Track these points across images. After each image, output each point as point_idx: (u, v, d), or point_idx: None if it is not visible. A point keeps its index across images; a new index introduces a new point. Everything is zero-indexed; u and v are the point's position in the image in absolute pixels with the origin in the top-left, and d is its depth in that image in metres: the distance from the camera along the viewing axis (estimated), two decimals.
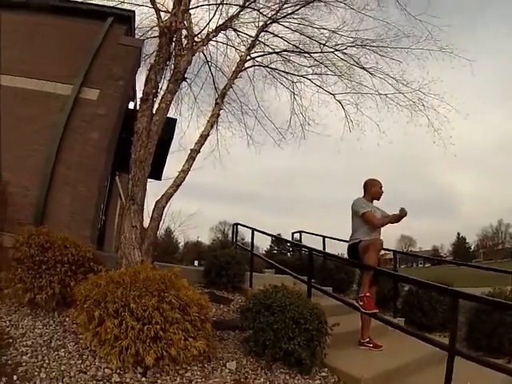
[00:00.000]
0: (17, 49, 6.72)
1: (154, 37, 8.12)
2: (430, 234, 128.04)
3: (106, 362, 3.23)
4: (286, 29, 8.30)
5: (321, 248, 8.51)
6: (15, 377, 2.98)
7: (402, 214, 4.98)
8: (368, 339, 4.64)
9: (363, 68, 8.03)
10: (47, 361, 3.24)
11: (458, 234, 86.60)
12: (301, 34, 8.15)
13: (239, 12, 7.75)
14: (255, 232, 7.25)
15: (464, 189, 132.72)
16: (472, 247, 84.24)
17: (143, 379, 3.13)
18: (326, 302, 5.32)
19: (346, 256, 5.69)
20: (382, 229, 5.29)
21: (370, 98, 8.28)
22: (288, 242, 6.46)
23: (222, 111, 7.29)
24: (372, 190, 5.39)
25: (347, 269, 7.94)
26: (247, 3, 7.69)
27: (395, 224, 5.26)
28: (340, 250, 7.86)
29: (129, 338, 3.11)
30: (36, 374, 3.04)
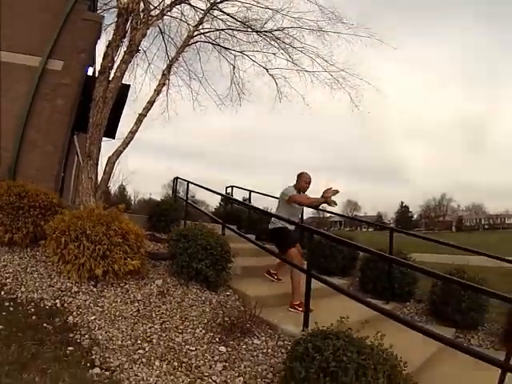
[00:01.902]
0: None
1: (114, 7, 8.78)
2: (375, 200, 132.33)
3: (68, 278, 4.29)
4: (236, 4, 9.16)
5: (252, 202, 9.69)
6: (2, 292, 3.91)
7: (330, 201, 5.30)
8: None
9: (295, 48, 9.03)
10: (25, 281, 4.22)
11: (402, 202, 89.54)
12: (242, 19, 9.05)
13: None
14: (205, 191, 8.26)
15: (412, 162, 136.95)
16: (414, 217, 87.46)
17: (94, 289, 4.22)
18: (248, 246, 6.60)
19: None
20: (297, 215, 5.97)
21: (300, 74, 9.40)
22: (218, 193, 7.46)
23: (173, 76, 8.31)
24: (300, 182, 5.76)
25: (268, 219, 8.83)
26: None
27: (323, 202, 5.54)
28: (266, 203, 8.88)
29: (85, 256, 4.22)
30: (17, 289, 4.03)
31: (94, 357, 3.11)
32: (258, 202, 9.86)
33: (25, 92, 7.18)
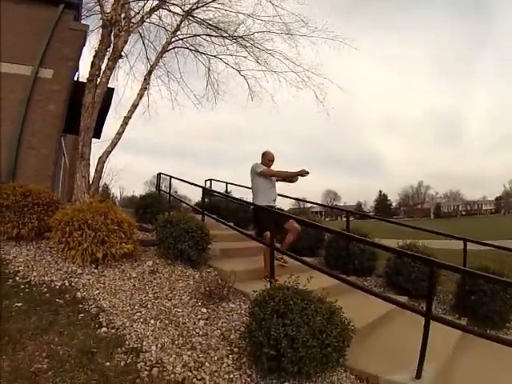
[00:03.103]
0: None
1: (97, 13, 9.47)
2: (355, 190, 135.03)
3: (72, 263, 5.05)
4: (211, 10, 9.90)
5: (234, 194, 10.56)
6: (17, 278, 4.58)
7: (303, 172, 5.98)
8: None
9: (265, 50, 9.89)
10: (35, 267, 4.93)
11: (380, 191, 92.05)
12: (216, 23, 9.82)
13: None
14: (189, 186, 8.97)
15: (389, 153, 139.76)
16: (393, 205, 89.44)
17: (96, 270, 5.00)
18: (227, 232, 7.53)
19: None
20: (276, 194, 6.46)
21: (269, 74, 10.24)
22: (197, 185, 8.15)
23: (153, 76, 9.11)
24: (264, 160, 6.41)
25: (246, 209, 9.46)
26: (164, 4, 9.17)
27: (290, 182, 6.39)
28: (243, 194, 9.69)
29: (87, 242, 5.01)
30: (30, 274, 4.72)
31: (101, 320, 3.89)
32: (239, 194, 10.59)
33: (19, 99, 7.79)
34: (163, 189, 10.86)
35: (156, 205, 8.71)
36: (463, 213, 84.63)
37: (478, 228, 30.58)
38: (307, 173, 6.01)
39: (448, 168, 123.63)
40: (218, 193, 9.95)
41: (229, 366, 3.43)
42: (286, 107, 11.27)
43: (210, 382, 3.15)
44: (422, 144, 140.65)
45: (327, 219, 59.34)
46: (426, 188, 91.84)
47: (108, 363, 3.17)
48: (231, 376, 3.29)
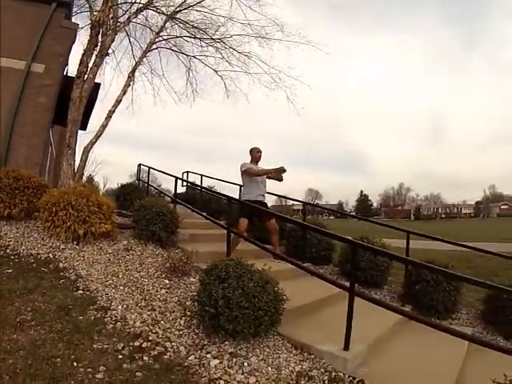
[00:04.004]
0: None
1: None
2: (338, 189, 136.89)
3: (57, 240, 5.78)
4: (193, 12, 10.65)
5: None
6: (7, 250, 5.24)
7: (280, 168, 6.74)
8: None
9: (240, 53, 10.64)
10: (24, 243, 5.62)
11: (361, 191, 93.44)
12: (197, 25, 10.57)
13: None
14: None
15: (371, 154, 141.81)
16: (374, 205, 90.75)
17: (77, 247, 5.73)
18: (198, 221, 8.20)
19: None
20: (264, 190, 7.12)
21: (244, 75, 11.01)
22: (172, 175, 8.78)
23: (137, 73, 9.86)
24: (252, 154, 7.12)
25: (218, 200, 10.26)
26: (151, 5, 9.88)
27: (278, 180, 7.03)
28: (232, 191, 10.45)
29: (70, 220, 5.76)
30: (19, 248, 5.41)
31: (78, 285, 4.63)
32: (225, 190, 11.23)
33: (13, 91, 8.47)
34: (144, 179, 11.60)
35: (135, 193, 9.42)
36: (443, 215, 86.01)
37: (456, 230, 31.59)
38: (284, 169, 6.79)
39: (432, 170, 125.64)
40: (190, 183, 10.77)
41: (180, 325, 4.17)
42: (271, 106, 12.09)
43: (162, 336, 3.88)
44: (407, 145, 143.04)
45: (309, 216, 60.16)
46: (407, 190, 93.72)
47: (81, 317, 3.91)
48: (181, 333, 4.02)
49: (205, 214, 7.76)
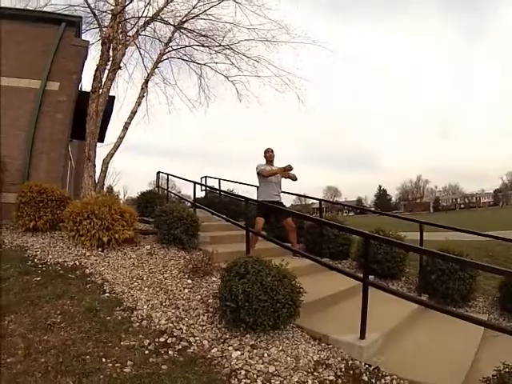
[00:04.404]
0: None
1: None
2: (355, 186, 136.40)
3: (82, 247, 6.03)
4: (200, 21, 10.87)
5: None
6: (35, 260, 5.52)
7: (286, 167, 7.11)
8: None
9: (249, 57, 10.84)
10: (50, 252, 5.89)
11: (380, 186, 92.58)
12: (205, 33, 10.78)
13: (162, 9, 10.12)
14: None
15: (389, 148, 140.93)
16: (393, 199, 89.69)
17: (102, 253, 5.96)
18: (218, 223, 8.54)
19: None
20: (279, 190, 7.45)
21: (254, 78, 11.18)
22: (191, 181, 8.97)
23: (150, 83, 10.14)
24: (265, 155, 7.54)
25: (237, 202, 10.47)
26: (157, 16, 10.06)
27: (292, 179, 7.38)
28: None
29: (95, 229, 5.99)
30: (46, 257, 5.69)
31: (105, 288, 4.82)
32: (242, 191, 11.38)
33: (30, 110, 8.81)
34: (163, 186, 11.95)
35: (156, 200, 9.69)
36: (462, 206, 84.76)
37: (475, 219, 31.19)
38: (290, 167, 7.17)
39: (447, 162, 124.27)
40: (208, 187, 10.96)
41: (203, 321, 4.34)
42: (285, 107, 12.18)
43: (186, 331, 4.05)
44: (420, 139, 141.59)
45: (327, 214, 59.95)
46: (425, 182, 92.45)
47: (108, 317, 4.10)
48: (204, 328, 4.19)
49: (224, 216, 7.91)
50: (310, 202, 41.62)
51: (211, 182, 12.28)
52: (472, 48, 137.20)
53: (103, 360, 3.33)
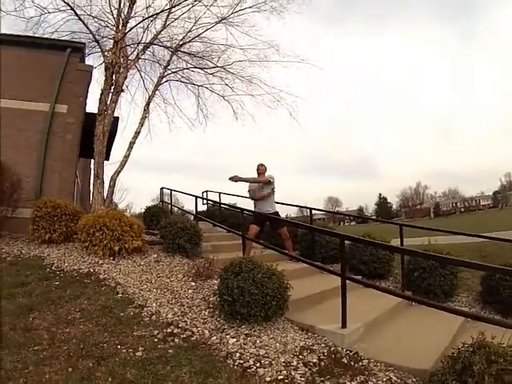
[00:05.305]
0: (6, 78, 9.34)
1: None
2: (355, 195, 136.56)
3: (95, 256, 6.65)
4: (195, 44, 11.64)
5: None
6: (53, 267, 6.09)
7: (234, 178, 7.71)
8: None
9: (243, 77, 11.56)
10: (66, 260, 6.48)
11: (380, 194, 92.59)
12: (201, 56, 11.52)
13: (159, 32, 10.87)
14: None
15: (383, 158, 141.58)
16: (394, 207, 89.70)
17: (113, 261, 6.57)
18: (219, 234, 9.28)
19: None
20: (265, 201, 7.98)
21: (248, 98, 11.88)
22: (192, 195, 9.71)
23: (152, 105, 10.91)
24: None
25: (237, 214, 10.56)
26: (155, 40, 10.80)
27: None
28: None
29: (107, 239, 6.62)
30: (62, 265, 6.28)
31: (118, 290, 5.44)
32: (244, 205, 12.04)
33: (40, 131, 9.49)
34: (167, 201, 12.70)
35: (160, 213, 10.38)
36: (462, 210, 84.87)
37: (474, 222, 31.58)
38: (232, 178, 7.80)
39: (447, 165, 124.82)
40: (209, 200, 11.64)
41: (205, 315, 4.95)
42: (279, 123, 12.79)
43: (190, 323, 4.66)
44: (420, 143, 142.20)
45: (330, 224, 60.34)
46: (425, 188, 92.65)
47: (122, 313, 4.72)
48: (205, 321, 4.80)
49: (224, 226, 8.56)
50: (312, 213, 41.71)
51: (212, 196, 12.96)
52: (471, 50, 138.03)
53: (118, 347, 3.93)
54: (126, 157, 9.74)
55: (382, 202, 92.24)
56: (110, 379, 3.35)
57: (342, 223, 71.87)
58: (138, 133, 10.10)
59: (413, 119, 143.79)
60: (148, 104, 10.69)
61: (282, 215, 9.34)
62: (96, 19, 10.31)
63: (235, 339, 4.32)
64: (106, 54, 9.77)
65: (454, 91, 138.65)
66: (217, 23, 10.99)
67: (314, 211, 10.03)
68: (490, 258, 9.11)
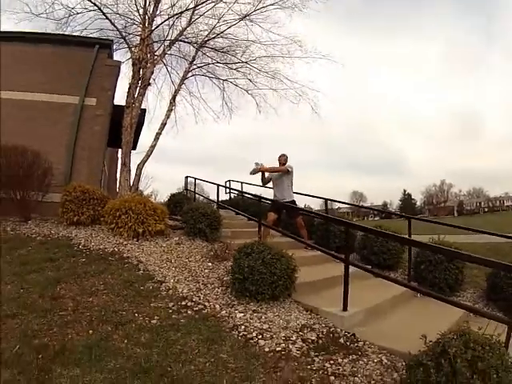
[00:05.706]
0: (39, 73, 10.09)
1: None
2: (380, 191, 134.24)
3: (120, 237, 7.07)
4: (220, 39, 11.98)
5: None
6: (80, 246, 6.45)
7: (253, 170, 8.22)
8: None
9: (267, 72, 11.87)
10: (93, 241, 6.83)
11: (404, 190, 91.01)
12: (226, 51, 11.87)
13: (184, 29, 11.23)
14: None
15: (411, 154, 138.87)
16: (418, 204, 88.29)
17: (136, 242, 6.95)
18: (240, 222, 9.60)
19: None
20: (283, 190, 8.31)
21: (270, 92, 12.22)
22: (214, 184, 10.11)
23: (178, 97, 11.36)
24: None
25: (258, 203, 10.68)
26: (181, 36, 11.15)
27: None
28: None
29: (132, 221, 7.04)
30: (89, 244, 6.61)
31: (139, 267, 5.83)
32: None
33: (70, 122, 10.01)
34: (191, 189, 13.18)
35: (184, 201, 10.77)
36: (486, 209, 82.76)
37: (497, 222, 30.85)
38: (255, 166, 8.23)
39: (469, 167, 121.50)
40: (231, 188, 12.05)
41: (218, 292, 5.30)
42: (301, 117, 13.03)
43: (203, 299, 5.00)
44: (442, 143, 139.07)
45: (355, 219, 59.84)
46: (449, 186, 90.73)
47: (142, 287, 5.10)
48: (217, 297, 5.14)
49: (245, 214, 8.87)
50: (336, 207, 41.76)
51: (236, 186, 13.31)
52: (492, 49, 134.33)
53: (136, 315, 4.31)
54: (152, 147, 10.20)
55: (407, 199, 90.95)
56: (125, 341, 3.74)
57: (365, 218, 71.26)
58: (164, 124, 10.54)
59: (439, 117, 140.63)
60: (174, 97, 11.13)
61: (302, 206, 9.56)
62: (122, 17, 10.85)
63: (242, 314, 4.65)
64: (133, 50, 10.23)
65: (480, 89, 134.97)
66: (240, 20, 11.30)
67: (340, 205, 10.19)
68: (506, 257, 9.01)
